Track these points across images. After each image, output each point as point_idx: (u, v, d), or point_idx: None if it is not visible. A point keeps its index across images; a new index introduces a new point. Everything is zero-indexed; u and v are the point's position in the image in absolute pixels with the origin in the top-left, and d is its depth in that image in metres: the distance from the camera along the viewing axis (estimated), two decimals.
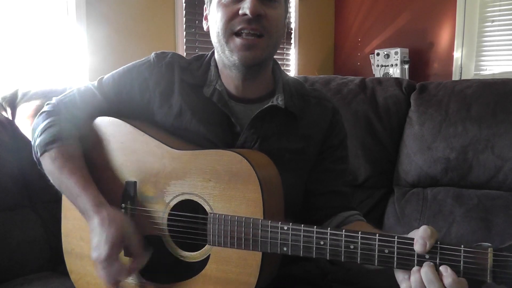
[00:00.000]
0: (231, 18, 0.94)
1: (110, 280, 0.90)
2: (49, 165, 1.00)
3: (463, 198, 1.45)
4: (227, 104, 1.00)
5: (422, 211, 1.48)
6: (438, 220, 1.44)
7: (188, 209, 0.93)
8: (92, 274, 1.01)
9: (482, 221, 1.39)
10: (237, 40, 0.94)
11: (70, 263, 1.05)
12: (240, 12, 0.92)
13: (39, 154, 1.02)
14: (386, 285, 0.88)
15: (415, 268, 0.72)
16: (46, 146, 1.00)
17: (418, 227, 0.74)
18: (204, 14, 1.05)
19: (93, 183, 0.97)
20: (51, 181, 1.01)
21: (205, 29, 1.05)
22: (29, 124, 1.52)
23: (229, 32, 0.94)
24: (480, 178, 1.46)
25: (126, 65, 1.09)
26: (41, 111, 1.08)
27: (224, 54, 0.97)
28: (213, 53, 1.07)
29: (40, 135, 1.02)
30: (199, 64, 1.07)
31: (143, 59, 1.08)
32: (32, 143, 1.05)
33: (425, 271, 0.71)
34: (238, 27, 0.93)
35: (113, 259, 0.88)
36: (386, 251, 0.75)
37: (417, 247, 0.72)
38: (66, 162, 0.98)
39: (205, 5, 1.04)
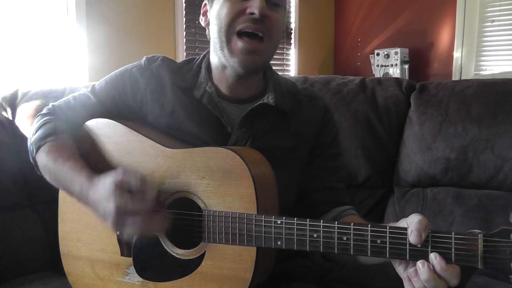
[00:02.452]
0: (237, 15, 0.94)
1: (137, 229, 0.85)
2: (43, 159, 1.00)
3: (463, 198, 1.45)
4: (217, 106, 1.01)
5: (422, 211, 1.48)
6: (438, 220, 1.44)
7: (183, 207, 0.93)
8: (90, 275, 1.01)
9: (482, 221, 1.39)
10: (239, 43, 0.94)
11: (68, 265, 1.06)
12: (247, 10, 0.93)
13: (34, 152, 1.02)
14: (385, 285, 0.88)
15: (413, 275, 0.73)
16: (40, 142, 1.01)
17: (406, 227, 0.75)
18: (203, 10, 1.05)
19: (87, 166, 0.96)
20: (47, 176, 1.01)
21: (203, 24, 1.05)
22: (29, 124, 1.52)
23: (232, 31, 0.94)
24: (480, 178, 1.46)
25: (118, 69, 1.11)
26: (37, 115, 1.09)
27: (222, 52, 0.97)
28: (204, 56, 1.08)
29: (34, 134, 1.03)
30: (190, 67, 1.07)
31: (135, 63, 1.10)
32: (28, 145, 1.05)
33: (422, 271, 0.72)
34: (243, 25, 0.94)
35: (125, 203, 0.84)
36: (379, 241, 0.76)
37: (413, 238, 0.72)
38: (60, 152, 0.99)
39: (204, 1, 1.04)
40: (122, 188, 0.85)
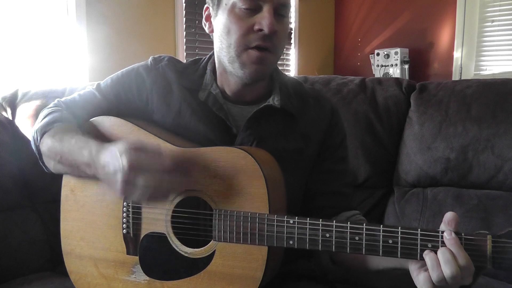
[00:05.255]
0: (246, 33, 0.93)
1: (150, 190, 0.81)
2: (49, 141, 0.98)
3: (463, 198, 1.45)
4: (222, 107, 1.01)
5: (422, 211, 1.48)
6: (438, 220, 1.42)
7: (191, 206, 0.93)
8: (93, 274, 1.01)
9: (482, 221, 1.39)
10: (252, 52, 0.93)
11: (70, 263, 1.05)
12: (256, 27, 0.92)
13: (39, 139, 1.01)
14: (386, 285, 0.88)
15: (427, 251, 0.75)
16: (46, 127, 1.00)
17: (418, 227, 0.77)
18: (206, 14, 1.03)
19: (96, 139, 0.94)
20: (51, 161, 0.99)
21: (207, 31, 1.04)
22: (29, 124, 1.52)
23: (243, 48, 0.94)
24: (480, 178, 1.46)
25: (124, 68, 1.11)
26: (42, 109, 1.08)
27: (232, 65, 0.96)
28: (210, 57, 1.08)
29: (41, 121, 1.03)
30: (195, 68, 1.07)
31: (141, 62, 1.10)
32: (32, 134, 1.04)
33: (442, 251, 0.73)
34: (254, 44, 0.93)
35: (138, 158, 0.80)
36: (390, 241, 0.77)
37: (447, 215, 0.77)
38: (67, 132, 0.98)
39: (206, 5, 1.02)
40: (135, 147, 0.82)
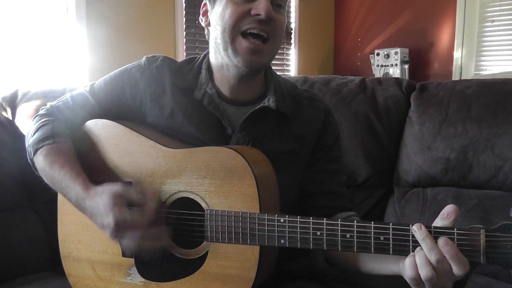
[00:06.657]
0: (242, 16, 0.94)
1: (136, 242, 0.88)
2: (41, 162, 1.00)
3: (463, 198, 1.45)
4: (218, 107, 1.01)
5: (422, 211, 1.48)
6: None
7: (185, 207, 0.93)
8: (91, 277, 1.01)
9: (482, 221, 1.39)
10: (244, 42, 0.94)
11: (68, 266, 1.05)
12: (252, 12, 0.93)
13: (32, 154, 1.02)
14: (385, 285, 0.88)
15: (418, 248, 0.75)
16: (38, 144, 1.01)
17: (409, 223, 0.77)
18: (203, 10, 1.04)
19: (83, 173, 0.96)
20: (44, 179, 1.01)
21: (203, 25, 1.05)
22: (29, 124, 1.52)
23: (237, 31, 0.94)
24: (480, 178, 1.46)
25: (117, 69, 1.10)
26: (34, 115, 1.09)
27: (226, 53, 0.97)
28: (204, 56, 1.07)
29: (33, 135, 1.03)
30: (190, 68, 1.07)
31: (134, 62, 1.09)
32: (26, 145, 1.05)
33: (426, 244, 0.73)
34: (248, 26, 0.93)
35: (124, 218, 0.85)
36: (382, 238, 0.77)
37: (448, 208, 0.76)
38: (57, 157, 0.98)
39: (204, 1, 1.03)
40: (121, 203, 0.86)
